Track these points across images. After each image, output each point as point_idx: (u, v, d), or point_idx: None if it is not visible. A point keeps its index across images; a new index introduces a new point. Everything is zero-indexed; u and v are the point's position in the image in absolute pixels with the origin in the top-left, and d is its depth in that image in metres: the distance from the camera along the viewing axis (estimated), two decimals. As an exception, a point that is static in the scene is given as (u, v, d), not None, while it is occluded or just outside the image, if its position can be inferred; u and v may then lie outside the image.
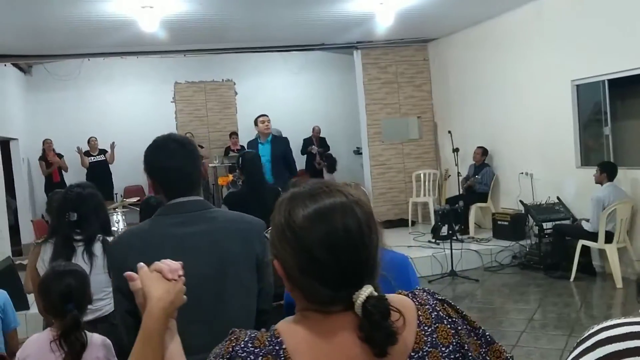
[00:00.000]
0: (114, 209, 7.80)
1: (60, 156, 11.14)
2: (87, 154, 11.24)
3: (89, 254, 3.22)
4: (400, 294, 1.22)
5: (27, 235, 10.21)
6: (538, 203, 8.01)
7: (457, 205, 8.77)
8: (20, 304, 4.95)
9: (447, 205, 9.02)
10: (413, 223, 10.44)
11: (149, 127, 12.17)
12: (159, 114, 12.47)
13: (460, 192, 9.48)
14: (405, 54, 10.98)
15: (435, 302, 1.21)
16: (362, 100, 10.92)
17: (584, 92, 7.88)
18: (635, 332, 0.90)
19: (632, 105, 7.89)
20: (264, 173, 5.38)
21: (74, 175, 10.46)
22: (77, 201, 3.30)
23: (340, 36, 9.89)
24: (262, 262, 2.02)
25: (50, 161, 10.96)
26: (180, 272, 1.33)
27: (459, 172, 9.48)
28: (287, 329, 1.13)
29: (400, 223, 10.44)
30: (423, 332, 1.15)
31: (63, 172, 11.11)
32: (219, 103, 13.21)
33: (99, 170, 11.03)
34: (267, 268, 2.02)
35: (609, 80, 7.40)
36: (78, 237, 3.26)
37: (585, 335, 0.96)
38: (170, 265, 1.32)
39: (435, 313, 1.18)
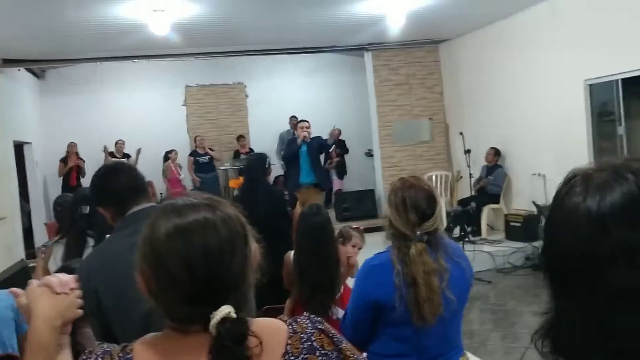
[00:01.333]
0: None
1: (82, 161, 11.22)
2: (112, 155, 11.33)
3: None
4: (280, 319, 1.19)
5: (41, 238, 10.27)
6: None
7: (469, 206, 8.73)
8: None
9: (459, 206, 8.99)
10: (425, 225, 10.38)
11: (160, 131, 12.34)
12: (171, 117, 12.53)
13: (473, 194, 9.43)
14: (416, 55, 10.95)
15: (313, 331, 1.16)
16: (373, 102, 10.90)
17: (597, 92, 7.82)
18: None
19: (646, 105, 7.82)
20: (262, 176, 5.33)
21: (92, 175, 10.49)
22: (88, 197, 3.32)
23: (351, 38, 9.88)
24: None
25: (74, 164, 11.01)
26: (72, 285, 1.29)
27: (470, 174, 9.43)
28: (143, 346, 1.12)
29: (412, 225, 10.37)
30: None
31: (80, 176, 11.18)
32: (230, 106, 13.23)
33: None
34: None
35: (623, 80, 7.33)
36: (90, 233, 3.28)
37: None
38: (61, 279, 1.28)
39: (309, 343, 1.14)
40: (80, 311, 1.29)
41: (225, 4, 7.30)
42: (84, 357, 1.13)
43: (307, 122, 7.70)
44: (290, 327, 1.16)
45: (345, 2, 7.63)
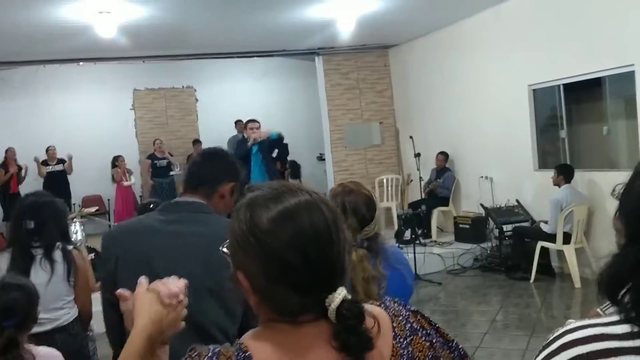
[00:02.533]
0: (72, 219, 7.61)
1: (20, 168, 10.83)
2: (45, 163, 10.97)
3: (48, 261, 3.14)
4: (372, 303, 1.16)
5: (-19, 247, 9.86)
6: (498, 206, 8.15)
7: (419, 209, 8.86)
8: None
9: (409, 209, 9.11)
10: (376, 228, 10.47)
11: (107, 135, 12.07)
12: (118, 122, 12.26)
13: (423, 197, 9.56)
14: (366, 60, 11.05)
15: (408, 313, 1.16)
16: (324, 106, 10.94)
17: (541, 97, 8.06)
18: (598, 334, 0.90)
19: (587, 109, 8.10)
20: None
21: (29, 185, 10.14)
22: (33, 209, 3.22)
23: (302, 42, 9.90)
24: None
25: (14, 170, 10.62)
26: (181, 297, 1.20)
27: (420, 177, 9.56)
28: (255, 342, 1.05)
29: (363, 228, 10.44)
30: (399, 345, 1.09)
31: (19, 183, 10.79)
32: (180, 110, 13.05)
33: (57, 180, 10.76)
34: None
35: (564, 85, 7.58)
36: (36, 245, 3.18)
37: (549, 339, 0.96)
38: (170, 288, 1.19)
39: (409, 324, 1.13)
40: (183, 324, 1.20)
41: (173, 7, 7.20)
42: (190, 358, 1.05)
43: (258, 122, 7.66)
44: (388, 311, 1.14)
45: (295, 6, 7.63)
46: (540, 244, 7.10)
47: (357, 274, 2.15)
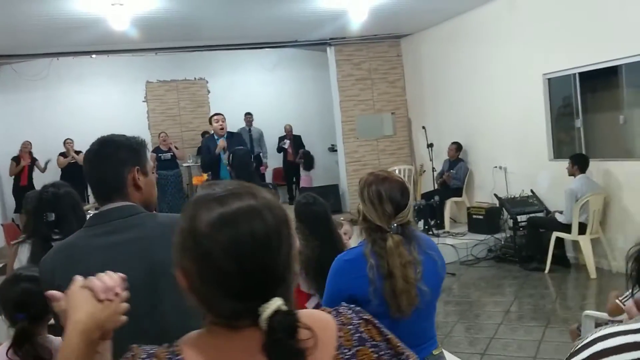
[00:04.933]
0: (87, 211, 7.66)
1: (34, 160, 10.94)
2: (64, 155, 11.07)
3: None
4: (323, 310, 1.14)
5: (-3, 239, 9.98)
6: (512, 196, 8.09)
7: (432, 200, 8.82)
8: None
9: (422, 200, 9.06)
10: (389, 219, 10.44)
11: (120, 127, 11.93)
12: (131, 114, 12.29)
13: (435, 187, 9.52)
14: (378, 50, 11.00)
15: (359, 321, 1.12)
16: (336, 96, 10.91)
17: (556, 86, 7.97)
18: (631, 342, 0.87)
19: (602, 98, 8.01)
20: (253, 170, 5.31)
21: (47, 177, 10.23)
22: (53, 201, 3.23)
23: (313, 33, 9.86)
24: None
25: (27, 163, 10.71)
26: (118, 290, 1.17)
27: (433, 168, 9.53)
28: (190, 344, 1.05)
29: (376, 219, 10.43)
30: (342, 355, 1.06)
31: (33, 174, 10.89)
32: (192, 102, 13.07)
33: (75, 172, 10.86)
34: None
35: (580, 74, 7.50)
36: (56, 237, 3.19)
37: (578, 346, 0.93)
38: (106, 282, 1.16)
39: (358, 335, 1.10)
40: (124, 318, 1.17)
41: (185, -2, 7.20)
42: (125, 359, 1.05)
43: (221, 114, 7.26)
44: (336, 319, 1.12)
45: (307, -3, 7.60)
46: (555, 234, 7.04)
47: (395, 260, 2.20)
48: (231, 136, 7.21)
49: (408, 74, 11.06)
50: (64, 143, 11.14)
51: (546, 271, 7.08)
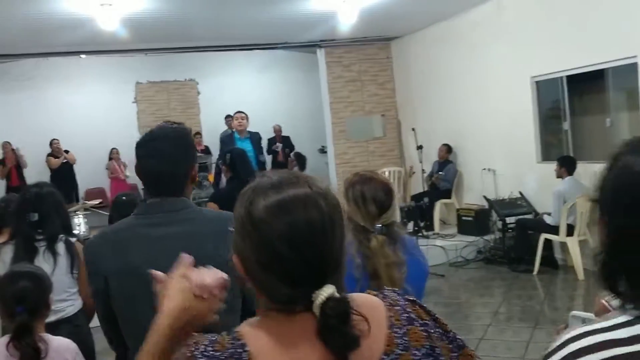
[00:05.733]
0: (75, 211, 7.62)
1: (18, 158, 10.86)
2: (53, 155, 11.01)
3: (52, 253, 3.14)
4: (369, 293, 1.17)
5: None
6: (501, 198, 8.13)
7: (422, 201, 8.85)
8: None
9: (412, 202, 9.09)
10: (379, 220, 10.46)
11: (110, 128, 12.05)
12: (121, 115, 12.24)
13: (425, 189, 9.55)
14: (368, 52, 11.02)
15: (405, 302, 1.15)
16: (326, 98, 10.92)
17: (544, 89, 8.03)
18: (606, 340, 0.88)
19: (589, 101, 8.07)
20: (253, 169, 5.32)
21: (36, 178, 10.16)
22: (36, 201, 3.22)
23: (303, 34, 9.86)
24: None
25: (12, 163, 10.64)
26: (215, 291, 1.16)
27: (423, 169, 9.56)
28: (250, 331, 1.07)
29: (366, 221, 10.44)
30: (395, 334, 1.09)
31: (24, 174, 10.82)
32: (182, 103, 13.04)
33: (64, 173, 10.82)
34: None
35: (568, 77, 7.55)
36: (40, 237, 3.18)
37: (552, 348, 0.94)
38: (205, 281, 1.16)
39: (407, 314, 1.13)
40: (216, 317, 1.17)
41: (175, -1, 7.18)
42: (192, 348, 1.05)
43: (243, 112, 7.67)
44: (384, 300, 1.14)
45: (297, -1, 7.61)
46: (543, 236, 7.09)
47: (379, 260, 2.20)
48: (250, 135, 7.60)
49: (398, 76, 11.09)
50: (51, 143, 11.07)
51: (535, 272, 7.12)
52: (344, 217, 1.12)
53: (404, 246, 2.29)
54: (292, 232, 1.03)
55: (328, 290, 1.01)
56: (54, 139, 11.11)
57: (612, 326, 0.89)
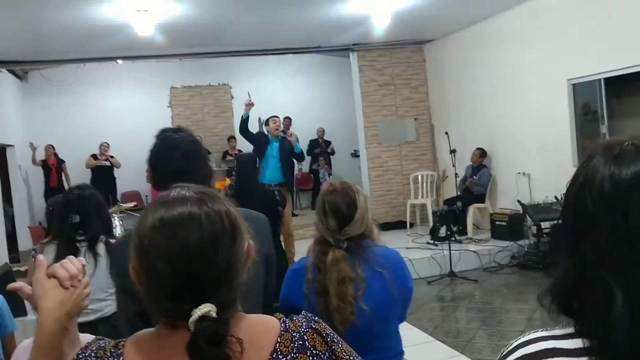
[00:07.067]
0: (112, 213, 7.76)
1: (61, 162, 11.16)
2: (95, 157, 11.26)
3: (92, 254, 3.23)
4: (276, 317, 1.15)
5: (24, 242, 10.17)
6: (536, 203, 8.01)
7: (455, 206, 8.77)
8: (18, 310, 4.92)
9: (445, 206, 9.03)
10: (411, 225, 10.42)
11: (145, 132, 12.11)
12: (156, 119, 12.34)
13: (458, 193, 9.47)
14: (401, 55, 10.98)
15: (307, 329, 1.13)
16: (359, 102, 10.92)
17: (581, 91, 7.89)
18: (550, 348, 0.88)
19: (628, 104, 7.90)
20: (256, 176, 5.37)
21: (76, 180, 10.41)
22: (78, 203, 3.31)
23: (336, 38, 9.89)
24: (267, 257, 1.99)
25: (53, 164, 10.93)
26: (80, 277, 1.24)
27: (456, 173, 9.46)
28: (135, 341, 1.10)
29: (398, 225, 10.42)
30: None
31: (63, 177, 11.11)
32: (216, 107, 13.19)
33: (105, 175, 11.06)
34: (272, 263, 2.00)
35: (605, 79, 7.41)
36: (81, 238, 3.26)
37: (503, 353, 0.94)
38: (69, 270, 1.22)
39: (301, 342, 1.11)
40: (87, 302, 1.25)
41: (210, 4, 7.27)
42: (80, 351, 1.11)
43: (278, 117, 8.12)
44: (283, 325, 1.13)
45: (330, 2, 7.63)
46: (579, 241, 6.95)
47: (332, 275, 2.12)
48: (283, 139, 7.88)
49: (431, 80, 11.03)
50: (100, 146, 11.33)
51: (570, 279, 6.98)
52: (239, 238, 1.10)
53: (367, 262, 2.19)
54: (169, 252, 1.04)
55: (204, 309, 1.01)
56: (104, 142, 11.37)
57: (562, 335, 0.89)
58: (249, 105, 8.16)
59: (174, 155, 2.03)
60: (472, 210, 9.22)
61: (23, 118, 11.66)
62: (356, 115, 11.05)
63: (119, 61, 11.04)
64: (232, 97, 13.25)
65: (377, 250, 2.26)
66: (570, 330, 0.89)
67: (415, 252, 8.17)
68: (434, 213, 9.25)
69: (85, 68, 11.55)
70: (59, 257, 3.18)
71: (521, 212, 8.23)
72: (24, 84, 12.00)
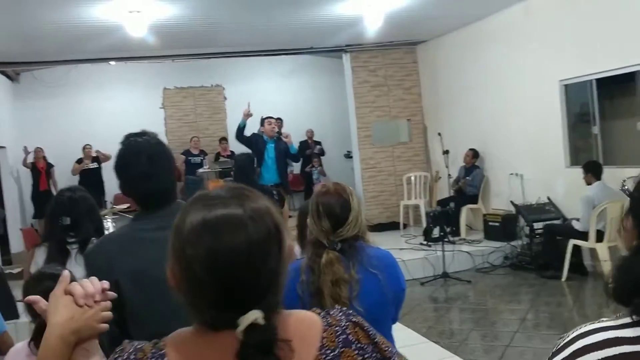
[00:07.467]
0: (104, 216, 7.73)
1: (50, 166, 11.09)
2: (81, 161, 11.19)
3: (84, 256, 3.21)
4: (314, 311, 1.15)
5: (16, 244, 10.11)
6: (528, 203, 8.04)
7: (448, 207, 8.79)
8: (10, 312, 4.89)
9: (438, 207, 9.03)
10: (405, 226, 10.44)
11: (138, 133, 12.17)
12: (148, 120, 12.32)
13: (451, 194, 9.49)
14: (394, 56, 11.00)
15: (347, 324, 1.12)
16: (352, 103, 10.92)
17: (572, 92, 7.92)
18: (612, 338, 0.88)
19: (620, 105, 7.94)
20: (253, 175, 5.38)
21: (64, 183, 10.35)
22: (69, 205, 3.28)
23: (329, 39, 9.89)
24: None
25: (42, 167, 10.88)
26: (98, 297, 1.19)
27: (449, 174, 9.50)
28: (175, 342, 1.07)
29: (391, 226, 10.43)
30: (323, 356, 1.07)
31: (51, 180, 11.04)
32: (209, 108, 13.16)
33: (92, 177, 10.98)
34: None
35: (597, 80, 7.44)
36: (72, 240, 3.24)
37: (560, 344, 0.94)
38: (86, 288, 1.18)
39: (344, 336, 1.10)
40: (104, 326, 1.19)
41: (202, 6, 7.26)
42: (116, 355, 1.08)
43: (273, 118, 8.28)
44: (324, 320, 1.12)
45: (323, 4, 7.63)
46: (572, 242, 6.98)
47: (326, 277, 2.12)
48: (278, 140, 7.99)
49: (424, 81, 11.05)
50: (83, 149, 11.25)
51: (563, 279, 7.02)
52: (284, 239, 1.06)
53: (360, 263, 2.19)
54: (212, 258, 0.98)
55: (251, 317, 0.97)
56: (87, 145, 11.29)
57: (620, 325, 0.90)
58: (247, 115, 8.26)
59: (139, 160, 1.97)
60: (465, 211, 9.24)
61: (15, 119, 11.59)
62: (349, 116, 11.05)
63: (112, 62, 11.01)
64: (225, 98, 13.23)
65: (370, 251, 2.26)
66: (626, 320, 0.89)
67: (408, 253, 8.18)
68: (427, 214, 9.26)
69: (78, 69, 11.50)
70: (49, 259, 3.16)
71: (514, 212, 8.25)
72: (16, 85, 11.93)
